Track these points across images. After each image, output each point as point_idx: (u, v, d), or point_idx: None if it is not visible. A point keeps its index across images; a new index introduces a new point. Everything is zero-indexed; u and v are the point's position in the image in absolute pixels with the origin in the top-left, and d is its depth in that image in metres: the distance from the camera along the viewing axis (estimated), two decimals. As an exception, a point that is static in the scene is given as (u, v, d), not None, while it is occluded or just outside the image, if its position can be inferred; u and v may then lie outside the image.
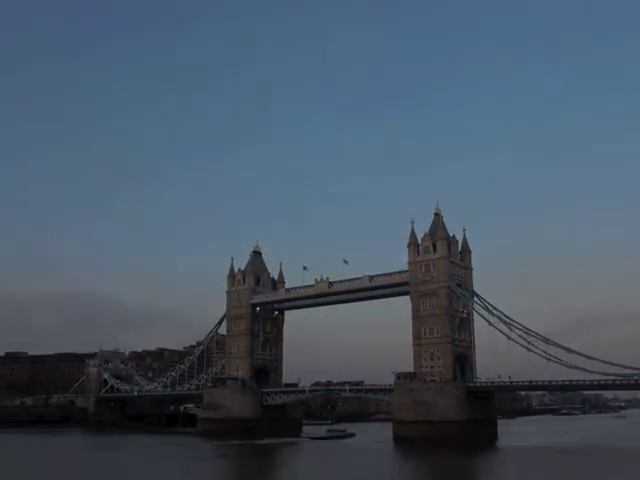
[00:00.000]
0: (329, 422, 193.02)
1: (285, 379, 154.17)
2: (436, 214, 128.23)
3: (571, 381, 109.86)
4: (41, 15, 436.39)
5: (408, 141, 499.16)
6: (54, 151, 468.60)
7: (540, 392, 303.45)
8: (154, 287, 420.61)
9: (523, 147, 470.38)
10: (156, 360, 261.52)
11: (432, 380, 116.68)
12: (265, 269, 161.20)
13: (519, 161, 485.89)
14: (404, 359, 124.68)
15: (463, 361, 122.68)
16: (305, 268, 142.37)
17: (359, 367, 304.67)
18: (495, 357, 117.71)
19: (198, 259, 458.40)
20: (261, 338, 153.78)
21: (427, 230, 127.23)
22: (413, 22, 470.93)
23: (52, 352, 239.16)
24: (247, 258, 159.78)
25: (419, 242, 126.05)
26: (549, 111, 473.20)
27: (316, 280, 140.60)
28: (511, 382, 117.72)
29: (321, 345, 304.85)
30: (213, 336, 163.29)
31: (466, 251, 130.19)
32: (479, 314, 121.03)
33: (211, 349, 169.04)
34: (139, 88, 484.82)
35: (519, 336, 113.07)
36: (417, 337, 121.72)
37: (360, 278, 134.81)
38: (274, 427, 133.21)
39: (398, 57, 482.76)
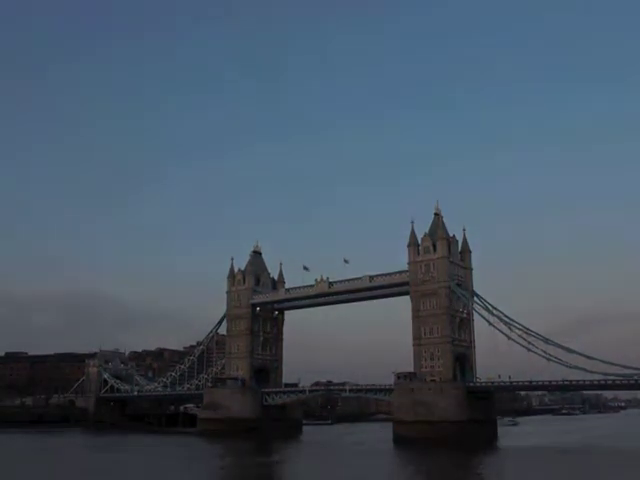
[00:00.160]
0: (329, 422, 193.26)
1: (285, 379, 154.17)
2: (436, 214, 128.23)
3: (571, 381, 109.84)
4: (41, 15, 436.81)
5: (408, 141, 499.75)
6: (54, 151, 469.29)
7: (540, 392, 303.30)
8: (154, 287, 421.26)
9: (523, 147, 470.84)
10: (156, 360, 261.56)
11: (432, 380, 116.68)
12: (265, 269, 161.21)
13: (519, 161, 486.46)
14: (404, 359, 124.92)
15: (463, 361, 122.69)
16: (305, 268, 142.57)
17: (359, 367, 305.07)
18: (495, 357, 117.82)
19: (198, 259, 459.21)
20: (261, 338, 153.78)
21: (427, 230, 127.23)
22: (413, 22, 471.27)
23: (52, 352, 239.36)
24: (247, 258, 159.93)
25: (419, 242, 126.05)
26: (549, 111, 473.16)
27: (316, 280, 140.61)
28: (511, 382, 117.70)
29: (321, 345, 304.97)
30: (213, 336, 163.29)
31: (466, 251, 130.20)
32: (479, 314, 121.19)
33: (211, 349, 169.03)
34: (139, 88, 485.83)
35: (519, 336, 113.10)
36: (417, 337, 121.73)
37: (360, 278, 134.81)
38: (274, 427, 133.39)
39: (398, 57, 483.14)
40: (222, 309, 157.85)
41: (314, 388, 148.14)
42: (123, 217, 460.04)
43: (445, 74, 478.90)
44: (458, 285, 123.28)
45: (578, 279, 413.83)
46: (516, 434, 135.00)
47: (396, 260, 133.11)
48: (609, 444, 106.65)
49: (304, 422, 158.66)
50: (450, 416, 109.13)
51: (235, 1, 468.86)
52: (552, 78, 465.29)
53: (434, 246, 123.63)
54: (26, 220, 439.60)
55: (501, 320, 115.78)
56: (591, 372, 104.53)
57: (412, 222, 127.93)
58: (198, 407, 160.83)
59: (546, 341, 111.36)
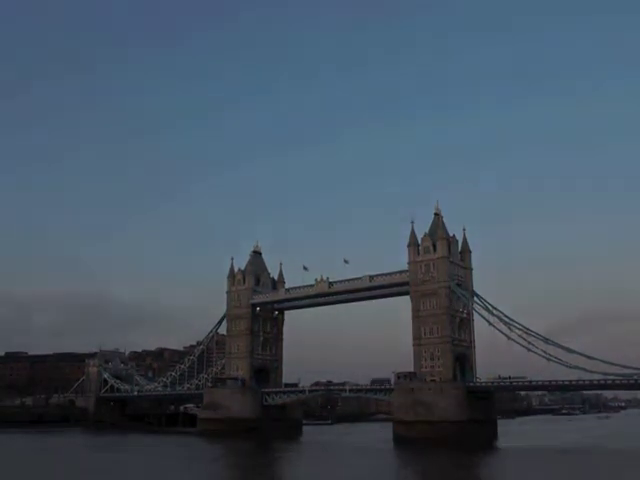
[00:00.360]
0: (329, 422, 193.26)
1: (285, 379, 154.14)
2: (436, 214, 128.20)
3: (571, 381, 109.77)
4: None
5: (408, 141, 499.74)
6: (53, 149, 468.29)
7: (540, 392, 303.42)
8: (154, 287, 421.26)
9: (523, 147, 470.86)
10: (156, 360, 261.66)
11: (432, 380, 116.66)
12: (265, 269, 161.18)
13: (519, 161, 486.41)
14: (404, 359, 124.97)
15: (463, 361, 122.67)
16: (305, 268, 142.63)
17: (359, 367, 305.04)
18: (495, 357, 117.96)
19: (198, 259, 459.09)
20: (261, 338, 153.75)
21: (427, 230, 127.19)
22: (414, 22, 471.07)
23: (52, 352, 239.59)
24: (247, 258, 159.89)
25: (419, 242, 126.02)
26: (549, 109, 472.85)
27: (316, 280, 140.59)
28: (511, 382, 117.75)
29: (321, 345, 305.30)
30: (213, 336, 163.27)
31: (466, 251, 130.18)
32: (479, 314, 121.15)
33: (211, 349, 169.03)
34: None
35: (519, 336, 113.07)
36: (417, 337, 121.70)
37: (360, 278, 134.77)
38: (274, 427, 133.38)
39: (398, 57, 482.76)
40: (222, 309, 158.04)
41: (314, 388, 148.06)
42: (123, 217, 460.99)
43: (445, 73, 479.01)
44: (458, 285, 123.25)
45: (578, 279, 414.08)
46: (516, 434, 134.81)
47: (396, 260, 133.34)
48: (609, 444, 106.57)
49: (304, 422, 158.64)
50: (450, 416, 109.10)
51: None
52: (552, 76, 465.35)
53: (434, 246, 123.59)
54: (26, 220, 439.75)
55: (501, 320, 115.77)
56: (591, 372, 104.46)
57: (412, 222, 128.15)
58: (198, 407, 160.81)
59: (546, 341, 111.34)
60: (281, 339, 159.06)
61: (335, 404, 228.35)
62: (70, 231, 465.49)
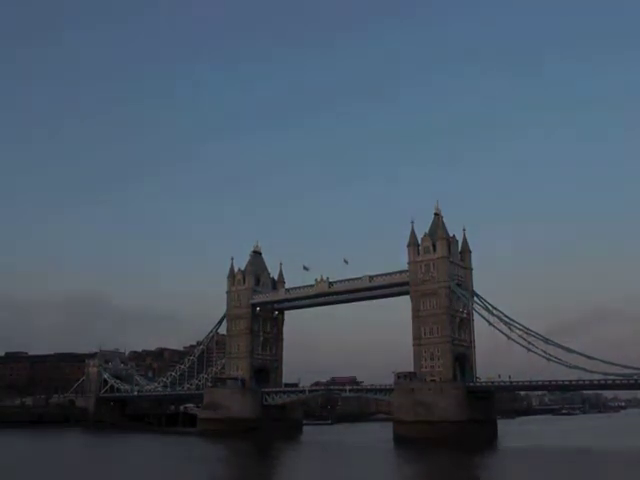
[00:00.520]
0: (329, 422, 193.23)
1: (285, 379, 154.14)
2: (436, 214, 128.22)
3: (571, 381, 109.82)
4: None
5: (408, 141, 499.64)
6: (53, 144, 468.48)
7: (540, 392, 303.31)
8: (154, 287, 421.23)
9: (523, 147, 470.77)
10: (156, 360, 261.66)
11: (432, 380, 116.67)
12: (265, 269, 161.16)
13: (519, 161, 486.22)
14: (404, 359, 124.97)
15: (463, 361, 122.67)
16: (305, 268, 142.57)
17: (359, 367, 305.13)
18: (495, 357, 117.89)
19: (198, 259, 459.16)
20: (261, 338, 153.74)
21: (427, 230, 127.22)
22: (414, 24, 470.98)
23: (52, 352, 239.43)
24: (247, 258, 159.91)
25: (419, 242, 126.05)
26: (548, 106, 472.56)
27: (316, 280, 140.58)
28: (511, 382, 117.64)
29: (321, 345, 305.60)
30: (213, 336, 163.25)
31: (466, 251, 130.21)
32: (479, 314, 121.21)
33: (211, 349, 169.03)
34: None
35: (519, 336, 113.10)
36: (417, 337, 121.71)
37: (360, 278, 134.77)
38: (274, 427, 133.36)
39: (397, 57, 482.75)
40: (222, 309, 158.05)
41: (314, 388, 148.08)
42: (123, 216, 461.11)
43: (444, 74, 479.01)
44: (458, 285, 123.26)
45: (578, 279, 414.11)
46: (516, 434, 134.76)
47: (396, 260, 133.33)
48: (609, 444, 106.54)
49: (304, 422, 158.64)
50: (450, 416, 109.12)
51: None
52: (551, 72, 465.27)
53: (434, 246, 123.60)
54: (26, 220, 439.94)
55: (501, 320, 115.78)
56: (591, 372, 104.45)
57: (412, 222, 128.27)
58: (198, 407, 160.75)
59: (546, 341, 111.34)
60: (281, 339, 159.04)
61: (335, 404, 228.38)
62: (70, 231, 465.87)
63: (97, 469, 74.56)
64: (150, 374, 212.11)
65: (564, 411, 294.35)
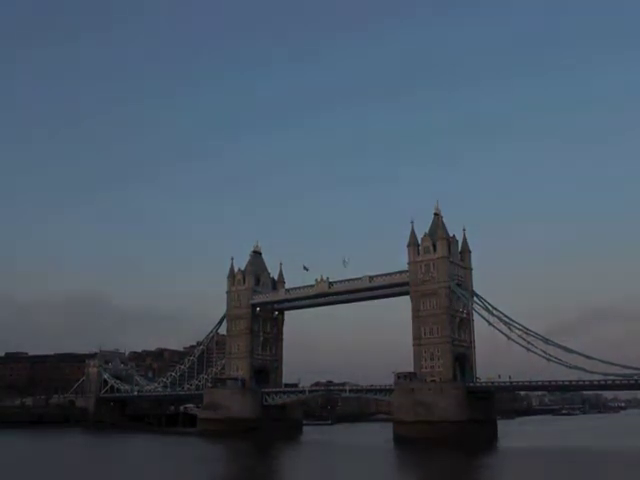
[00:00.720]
0: (329, 422, 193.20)
1: (285, 379, 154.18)
2: (436, 214, 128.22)
3: (571, 381, 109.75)
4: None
5: (408, 141, 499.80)
6: (53, 144, 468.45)
7: (540, 392, 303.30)
8: (154, 287, 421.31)
9: (523, 146, 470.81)
10: (156, 360, 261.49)
11: (432, 380, 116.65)
12: (265, 269, 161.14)
13: (519, 161, 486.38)
14: (404, 359, 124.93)
15: (463, 361, 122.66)
16: (305, 268, 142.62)
17: (359, 367, 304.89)
18: (495, 357, 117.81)
19: (198, 259, 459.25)
20: (261, 338, 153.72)
21: (427, 230, 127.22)
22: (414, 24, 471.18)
23: (52, 352, 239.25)
24: (247, 258, 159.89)
25: (419, 242, 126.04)
26: (548, 105, 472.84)
27: (316, 280, 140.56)
28: (511, 382, 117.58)
29: (321, 345, 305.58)
30: (213, 336, 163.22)
31: (466, 251, 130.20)
32: (479, 314, 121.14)
33: (211, 349, 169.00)
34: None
35: (519, 336, 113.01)
36: (417, 337, 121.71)
37: (360, 278, 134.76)
38: (274, 427, 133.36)
39: (396, 58, 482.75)
40: (222, 309, 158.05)
41: (314, 388, 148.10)
42: (123, 216, 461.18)
43: (444, 74, 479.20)
44: (458, 285, 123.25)
45: (578, 279, 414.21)
46: (516, 434, 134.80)
47: (396, 260, 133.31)
48: (609, 444, 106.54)
49: (304, 422, 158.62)
50: (450, 416, 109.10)
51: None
52: (550, 69, 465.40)
53: (434, 246, 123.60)
54: (26, 220, 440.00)
55: (501, 320, 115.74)
56: (591, 372, 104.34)
57: (412, 222, 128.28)
58: (198, 407, 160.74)
59: (546, 341, 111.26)
60: (281, 339, 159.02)
61: (335, 404, 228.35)
62: (70, 231, 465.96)
63: (97, 469, 74.54)
64: (150, 374, 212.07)
65: (564, 411, 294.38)
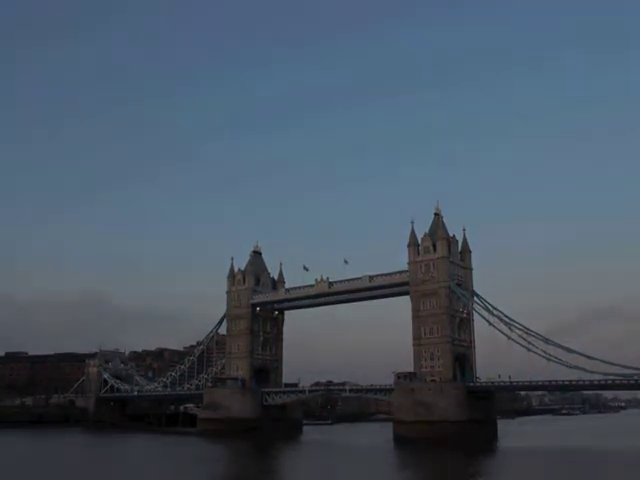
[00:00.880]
0: (329, 422, 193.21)
1: (285, 379, 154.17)
2: (436, 214, 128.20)
3: (571, 381, 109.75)
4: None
5: (408, 141, 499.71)
6: (53, 144, 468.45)
7: (540, 392, 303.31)
8: (154, 287, 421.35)
9: (523, 146, 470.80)
10: (156, 360, 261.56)
11: (432, 380, 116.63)
12: (265, 269, 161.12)
13: (519, 161, 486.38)
14: (404, 359, 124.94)
15: (463, 361, 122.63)
16: (305, 268, 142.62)
17: (359, 367, 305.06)
18: (495, 357, 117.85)
19: (198, 259, 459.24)
20: (261, 338, 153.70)
21: (427, 230, 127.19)
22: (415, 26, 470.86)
23: (52, 352, 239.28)
24: (247, 258, 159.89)
25: (419, 242, 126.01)
26: (548, 105, 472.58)
27: (316, 280, 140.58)
28: (511, 382, 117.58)
29: (321, 345, 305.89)
30: (213, 336, 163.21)
31: (466, 251, 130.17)
32: (479, 314, 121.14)
33: (211, 349, 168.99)
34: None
35: (519, 336, 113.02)
36: (417, 337, 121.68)
37: (360, 278, 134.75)
38: (274, 427, 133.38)
39: (396, 58, 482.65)
40: (222, 309, 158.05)
41: (314, 388, 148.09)
42: (123, 216, 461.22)
43: (444, 73, 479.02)
44: (458, 285, 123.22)
45: (578, 279, 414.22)
46: (516, 434, 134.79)
47: (396, 260, 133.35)
48: (609, 444, 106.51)
49: (304, 422, 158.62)
50: (450, 416, 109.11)
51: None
52: (550, 68, 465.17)
53: (434, 246, 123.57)
54: (26, 220, 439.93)
55: (501, 320, 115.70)
56: (591, 372, 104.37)
57: (412, 222, 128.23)
58: (198, 407, 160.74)
59: (546, 341, 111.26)
60: (281, 339, 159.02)
61: (335, 404, 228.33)
62: (70, 231, 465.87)
63: (97, 469, 74.49)
64: (150, 374, 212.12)
65: (564, 411, 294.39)
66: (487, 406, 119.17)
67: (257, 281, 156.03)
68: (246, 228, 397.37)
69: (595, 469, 72.76)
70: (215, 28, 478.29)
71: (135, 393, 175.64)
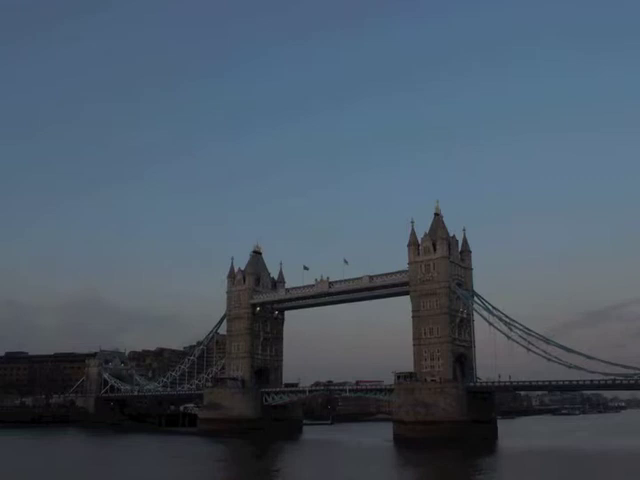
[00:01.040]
0: (329, 422, 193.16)
1: (285, 379, 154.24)
2: (436, 214, 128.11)
3: (571, 381, 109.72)
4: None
5: (408, 141, 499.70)
6: (53, 144, 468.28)
7: (540, 392, 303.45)
8: (154, 287, 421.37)
9: (523, 146, 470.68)
10: (156, 360, 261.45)
11: (432, 380, 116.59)
12: (265, 269, 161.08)
13: (519, 161, 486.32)
14: (404, 359, 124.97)
15: (463, 361, 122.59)
16: (305, 268, 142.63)
17: (359, 367, 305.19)
18: (495, 357, 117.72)
19: (198, 259, 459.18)
20: (261, 338, 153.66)
21: (427, 230, 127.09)
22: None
23: (52, 352, 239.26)
24: (247, 258, 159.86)
25: (419, 242, 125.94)
26: (547, 105, 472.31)
27: (316, 280, 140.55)
28: (511, 382, 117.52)
29: (321, 345, 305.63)
30: (213, 336, 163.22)
31: (466, 251, 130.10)
32: (479, 314, 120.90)
33: (211, 349, 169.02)
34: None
35: (519, 336, 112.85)
36: (417, 337, 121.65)
37: (360, 278, 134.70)
38: (274, 427, 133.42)
39: (396, 55, 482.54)
40: (222, 309, 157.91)
41: (314, 388, 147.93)
42: (123, 216, 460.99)
43: (445, 69, 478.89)
44: (458, 285, 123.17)
45: (579, 279, 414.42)
46: (516, 434, 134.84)
47: (396, 260, 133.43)
48: (609, 444, 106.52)
49: (304, 422, 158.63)
50: (450, 416, 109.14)
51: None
52: (551, 68, 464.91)
53: (434, 246, 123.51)
54: (25, 220, 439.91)
55: (501, 320, 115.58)
56: (591, 372, 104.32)
57: (412, 222, 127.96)
58: (198, 407, 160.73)
59: (546, 341, 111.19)
60: (281, 339, 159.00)
61: (335, 404, 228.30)
62: (70, 231, 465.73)
63: (97, 469, 74.47)
64: (150, 374, 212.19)
65: (564, 411, 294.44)
66: (487, 406, 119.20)
67: (257, 281, 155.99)
68: (246, 228, 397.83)
69: (595, 469, 72.77)
70: (215, 27, 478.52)
71: (135, 393, 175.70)
